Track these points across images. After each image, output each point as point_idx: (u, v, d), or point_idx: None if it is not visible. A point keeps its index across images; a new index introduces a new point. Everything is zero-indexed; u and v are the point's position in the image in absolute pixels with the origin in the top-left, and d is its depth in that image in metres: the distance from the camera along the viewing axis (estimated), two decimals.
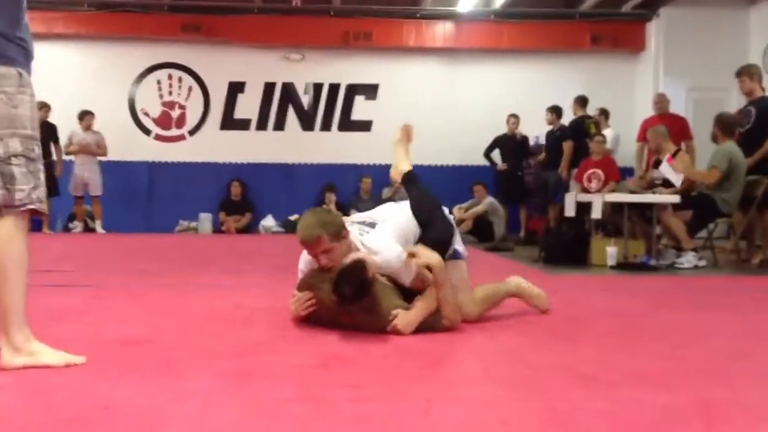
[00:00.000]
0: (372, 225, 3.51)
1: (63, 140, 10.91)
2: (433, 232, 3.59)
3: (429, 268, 3.28)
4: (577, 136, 9.84)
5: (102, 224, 11.15)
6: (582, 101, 10.19)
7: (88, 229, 11.38)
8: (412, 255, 3.27)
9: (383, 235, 3.41)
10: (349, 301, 3.10)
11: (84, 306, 4.04)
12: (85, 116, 11.11)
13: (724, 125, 7.17)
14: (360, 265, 3.06)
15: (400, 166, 3.95)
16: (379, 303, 3.19)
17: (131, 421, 1.93)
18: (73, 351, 2.60)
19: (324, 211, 3.39)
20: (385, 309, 3.18)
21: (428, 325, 3.23)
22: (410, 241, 3.49)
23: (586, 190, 8.43)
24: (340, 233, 3.25)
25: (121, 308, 3.98)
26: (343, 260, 3.12)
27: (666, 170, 7.12)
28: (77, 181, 11.05)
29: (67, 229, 11.54)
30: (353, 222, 3.59)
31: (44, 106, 10.30)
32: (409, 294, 3.31)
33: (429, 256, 3.29)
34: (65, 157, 11.08)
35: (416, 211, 3.64)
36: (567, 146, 9.87)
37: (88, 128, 11.14)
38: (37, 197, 2.53)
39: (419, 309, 3.22)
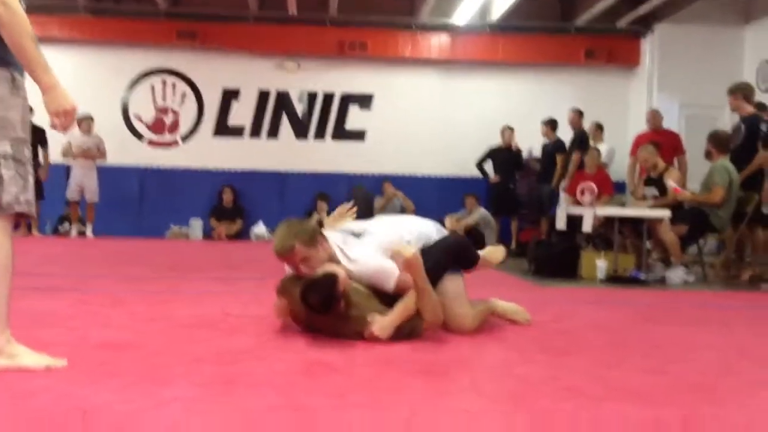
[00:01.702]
0: (358, 235, 3.52)
1: (55, 145, 10.83)
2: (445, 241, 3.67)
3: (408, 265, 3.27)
4: (581, 147, 9.77)
5: (92, 229, 11.10)
6: (581, 114, 10.17)
7: (81, 233, 11.33)
8: (397, 254, 3.27)
9: (366, 246, 3.43)
10: (315, 311, 3.14)
11: (69, 310, 4.00)
12: (83, 120, 11.06)
13: (718, 142, 7.19)
14: (330, 278, 3.09)
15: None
16: (353, 309, 3.20)
17: (111, 427, 1.90)
18: (56, 355, 2.57)
19: (296, 222, 3.43)
20: (360, 315, 3.18)
21: (407, 330, 3.23)
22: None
23: (577, 203, 8.42)
24: (314, 240, 3.30)
25: (106, 313, 3.94)
26: (317, 270, 3.15)
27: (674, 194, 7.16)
28: (74, 186, 11.03)
29: (56, 232, 11.48)
30: (340, 230, 3.59)
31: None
32: (392, 299, 3.31)
33: (409, 251, 3.29)
34: (62, 161, 11.04)
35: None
36: (574, 158, 9.77)
37: (87, 132, 11.10)
38: (26, 200, 2.51)
39: (396, 313, 3.24)
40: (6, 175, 2.45)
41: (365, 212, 3.71)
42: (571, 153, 9.86)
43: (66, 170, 11.14)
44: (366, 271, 3.32)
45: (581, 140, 9.85)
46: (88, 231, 11.10)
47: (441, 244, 3.63)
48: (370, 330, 3.14)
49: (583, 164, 9.19)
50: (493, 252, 4.03)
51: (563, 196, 9.50)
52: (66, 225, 11.43)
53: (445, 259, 3.55)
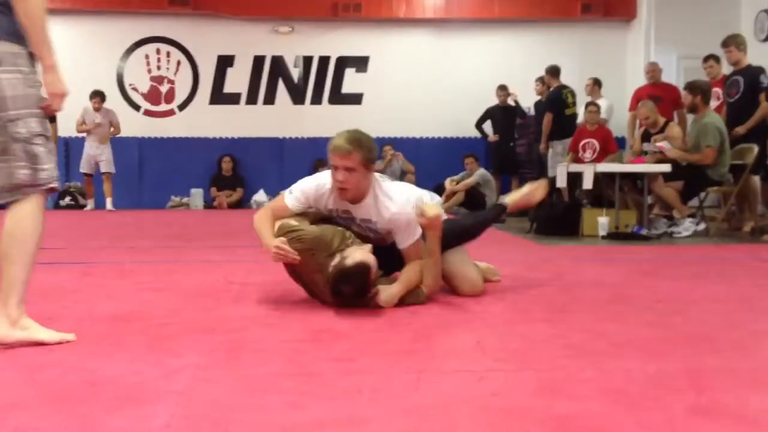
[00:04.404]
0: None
1: (63, 119, 10.73)
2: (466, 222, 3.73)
3: (428, 228, 3.28)
4: (554, 108, 9.70)
5: (112, 202, 11.11)
6: (554, 71, 10.02)
7: (79, 206, 11.34)
8: (421, 212, 3.25)
9: (403, 188, 3.48)
10: (344, 299, 3.13)
11: (74, 283, 4.02)
12: (94, 97, 11.03)
13: (705, 93, 7.12)
14: (364, 269, 3.04)
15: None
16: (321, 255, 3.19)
17: (121, 398, 1.92)
18: (63, 328, 2.59)
19: (370, 139, 3.37)
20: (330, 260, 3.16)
21: (411, 300, 3.25)
22: None
23: (579, 160, 8.39)
24: (370, 164, 3.29)
25: (111, 285, 3.96)
26: (345, 260, 3.04)
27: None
28: (88, 159, 11.04)
29: (57, 206, 11.49)
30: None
31: None
32: (387, 259, 3.29)
33: (435, 209, 3.30)
34: (75, 135, 11.08)
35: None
36: (546, 119, 9.74)
37: (97, 110, 11.06)
38: (57, 176, 2.58)
39: (401, 284, 3.25)
40: (41, 152, 2.49)
41: None
42: (543, 114, 9.83)
43: (65, 144, 11.12)
44: (396, 216, 3.29)
45: (554, 101, 9.74)
46: (108, 204, 11.09)
47: (459, 224, 3.71)
48: (375, 301, 3.16)
49: (567, 123, 9.14)
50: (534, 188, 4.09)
51: (551, 152, 9.50)
52: (67, 199, 11.43)
53: (457, 236, 3.62)
